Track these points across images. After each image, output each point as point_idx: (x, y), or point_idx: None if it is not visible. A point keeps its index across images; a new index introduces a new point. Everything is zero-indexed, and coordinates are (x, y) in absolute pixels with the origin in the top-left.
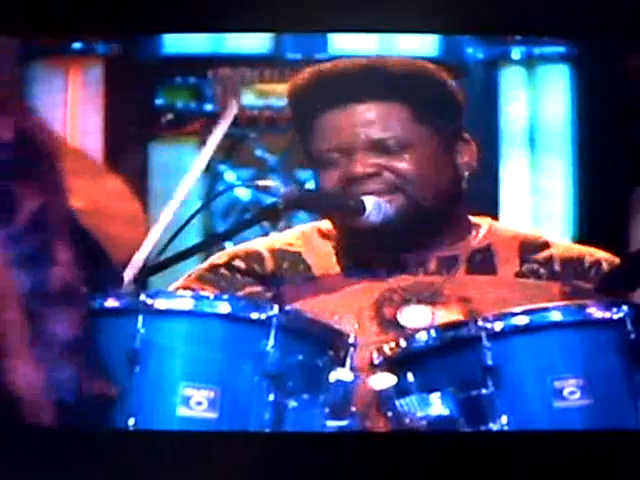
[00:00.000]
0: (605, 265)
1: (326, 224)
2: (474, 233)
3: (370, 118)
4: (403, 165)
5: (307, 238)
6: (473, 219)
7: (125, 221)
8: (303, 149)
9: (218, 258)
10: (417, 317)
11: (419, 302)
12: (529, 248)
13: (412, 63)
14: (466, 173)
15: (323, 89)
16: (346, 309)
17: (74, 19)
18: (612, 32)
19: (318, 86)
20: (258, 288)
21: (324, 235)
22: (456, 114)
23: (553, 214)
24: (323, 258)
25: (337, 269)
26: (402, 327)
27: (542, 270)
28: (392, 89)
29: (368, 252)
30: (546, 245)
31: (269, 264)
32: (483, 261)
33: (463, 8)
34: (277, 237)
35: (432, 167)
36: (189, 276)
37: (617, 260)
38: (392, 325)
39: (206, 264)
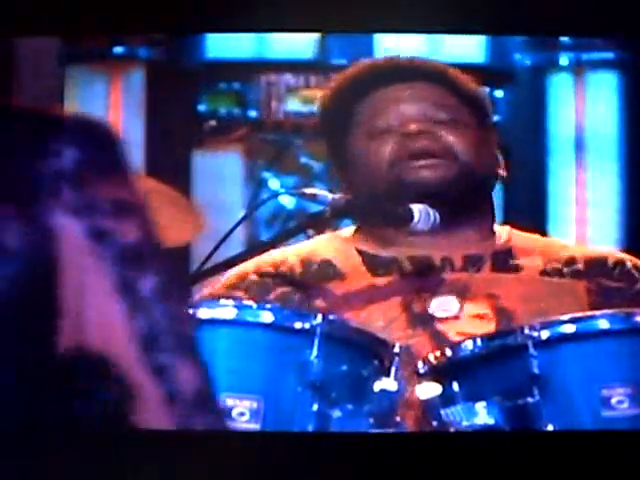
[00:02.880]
0: (629, 264)
1: (340, 232)
2: (497, 235)
3: (418, 93)
4: (454, 137)
5: (328, 245)
6: (494, 226)
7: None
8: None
9: (245, 266)
10: (445, 307)
11: (449, 294)
12: (551, 250)
13: (418, 58)
14: (500, 172)
15: (361, 83)
16: (375, 307)
17: (118, 20)
18: None
19: (353, 84)
20: (288, 289)
21: (345, 240)
22: (488, 117)
23: (601, 222)
24: (349, 261)
25: (363, 270)
26: (432, 318)
27: (566, 269)
28: (432, 74)
29: (393, 252)
30: (565, 248)
31: (297, 268)
32: (507, 261)
33: (513, 9)
34: (300, 246)
35: (479, 150)
36: (216, 284)
37: (637, 259)
38: (421, 318)
39: (233, 272)
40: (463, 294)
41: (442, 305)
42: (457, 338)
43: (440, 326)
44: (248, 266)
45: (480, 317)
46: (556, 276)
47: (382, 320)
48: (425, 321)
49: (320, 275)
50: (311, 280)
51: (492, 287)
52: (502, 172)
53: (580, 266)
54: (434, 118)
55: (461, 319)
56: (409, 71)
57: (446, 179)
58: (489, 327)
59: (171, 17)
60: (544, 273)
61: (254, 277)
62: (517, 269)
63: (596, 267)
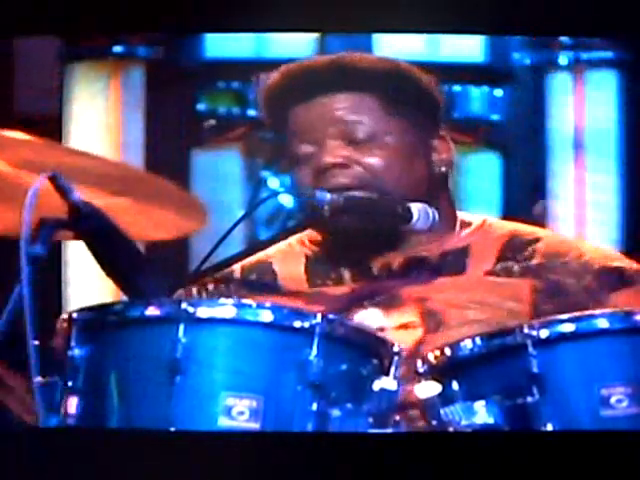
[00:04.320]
0: (585, 257)
1: (312, 233)
2: (457, 231)
3: (339, 107)
4: (372, 159)
5: (288, 247)
6: (465, 216)
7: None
8: (284, 152)
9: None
10: (367, 320)
11: (373, 305)
12: (514, 244)
13: (383, 60)
14: (443, 169)
15: (293, 86)
16: None
17: (118, 19)
18: None
19: (288, 84)
20: None
21: (303, 243)
22: (432, 111)
23: (600, 222)
24: (292, 267)
25: (303, 278)
26: None
27: (516, 267)
28: (361, 81)
29: (336, 257)
30: (536, 240)
31: (236, 278)
32: (453, 262)
33: (513, 9)
34: (263, 252)
35: (403, 161)
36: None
37: (608, 255)
38: None
39: (187, 288)
40: (390, 303)
41: (364, 319)
42: None
43: None
44: (197, 283)
45: (405, 326)
46: (504, 274)
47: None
48: None
49: (255, 286)
50: (245, 293)
51: (424, 291)
52: (447, 166)
53: (535, 262)
54: (351, 136)
55: (386, 330)
56: (343, 77)
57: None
58: (415, 335)
59: (171, 17)
60: (491, 273)
61: (194, 293)
62: (460, 271)
63: (552, 262)
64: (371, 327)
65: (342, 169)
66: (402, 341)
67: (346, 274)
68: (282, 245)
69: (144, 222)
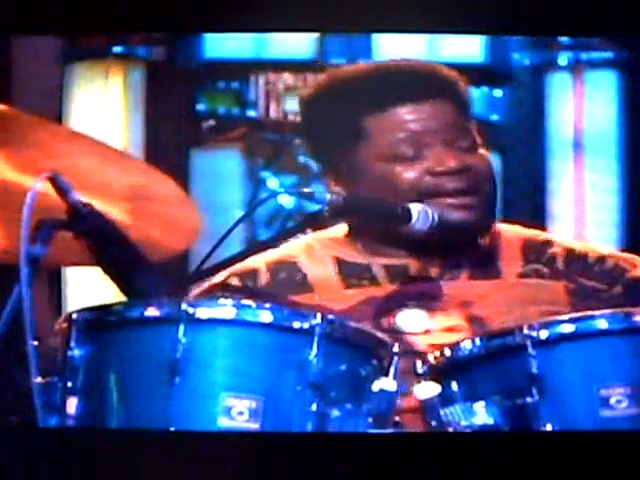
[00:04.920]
0: (609, 261)
1: (330, 233)
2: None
3: (437, 115)
4: (479, 164)
5: (308, 248)
6: None
7: (174, 205)
8: (340, 154)
9: (218, 276)
10: (413, 321)
11: (417, 308)
12: (532, 247)
13: (434, 66)
14: None
15: (362, 91)
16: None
17: (117, 19)
18: None
19: (356, 88)
20: None
21: (327, 245)
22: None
23: (599, 222)
24: (322, 268)
25: (337, 279)
26: (399, 332)
27: (545, 269)
28: (440, 89)
29: (370, 257)
30: (548, 243)
31: (263, 278)
32: (486, 265)
33: (514, 9)
34: (278, 249)
35: (488, 161)
36: (194, 295)
37: (621, 256)
38: (389, 333)
39: (207, 283)
40: (434, 306)
41: (409, 319)
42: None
43: (410, 340)
44: (217, 278)
45: (451, 329)
46: (535, 277)
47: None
48: (394, 334)
49: (288, 286)
50: (276, 286)
51: (467, 294)
52: None
53: (560, 265)
54: (456, 144)
55: (432, 333)
56: (422, 84)
57: (475, 219)
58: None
59: (171, 17)
60: (523, 275)
61: (218, 291)
62: (497, 273)
63: (576, 265)
64: (370, 328)
65: (461, 173)
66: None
67: (381, 274)
68: (300, 245)
69: (143, 223)
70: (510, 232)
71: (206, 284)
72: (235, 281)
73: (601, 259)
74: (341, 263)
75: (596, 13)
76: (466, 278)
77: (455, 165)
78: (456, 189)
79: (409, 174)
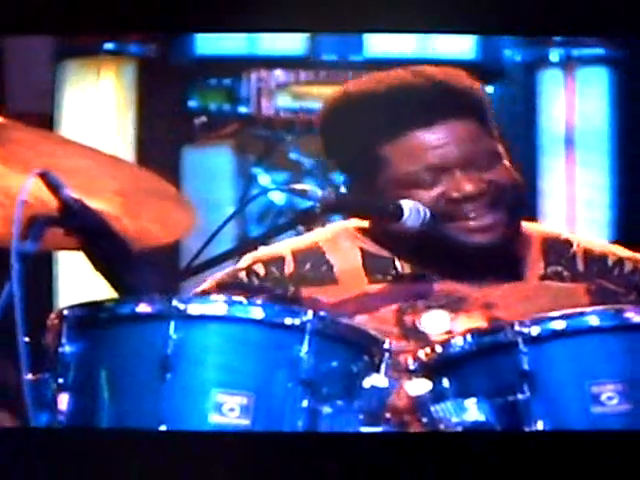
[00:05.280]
0: (628, 265)
1: (357, 223)
2: None
3: (458, 136)
4: (501, 177)
5: (335, 238)
6: None
7: (166, 200)
8: (358, 179)
9: (243, 261)
10: (436, 323)
11: (441, 308)
12: (552, 248)
13: (456, 77)
14: None
15: (382, 112)
16: (367, 314)
17: (110, 19)
18: None
19: (374, 109)
20: (274, 295)
21: (353, 235)
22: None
23: (591, 219)
24: (348, 260)
25: (361, 272)
26: (422, 333)
27: (565, 272)
28: (459, 106)
29: (396, 252)
30: (568, 243)
31: (289, 267)
32: (510, 265)
33: (504, 8)
34: (305, 237)
35: (512, 171)
36: (212, 280)
37: (638, 259)
38: (412, 332)
39: (230, 268)
40: (458, 306)
41: (433, 321)
42: None
43: (433, 338)
44: (242, 263)
45: None
46: (557, 279)
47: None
48: (418, 334)
49: (312, 277)
50: (302, 276)
51: (490, 296)
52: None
53: (580, 267)
54: (476, 164)
55: (454, 334)
56: (444, 103)
57: (496, 239)
58: None
59: (164, 16)
60: (544, 277)
61: (243, 276)
62: (519, 275)
63: (596, 267)
64: (362, 325)
65: (482, 195)
66: None
67: (406, 269)
68: (327, 233)
69: (135, 219)
70: (531, 230)
71: (230, 269)
72: (260, 268)
73: (620, 262)
74: (366, 255)
75: (590, 12)
76: (490, 280)
77: (472, 190)
78: (475, 212)
79: (426, 200)
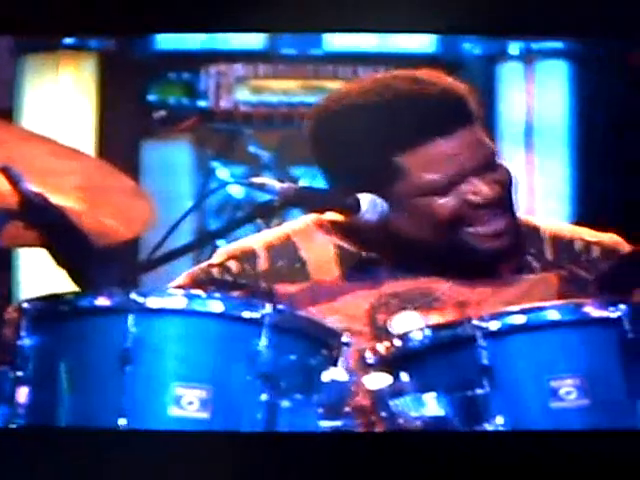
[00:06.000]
0: (595, 250)
1: (331, 216)
2: None
3: (469, 145)
4: (504, 176)
5: (308, 232)
6: None
7: (126, 194)
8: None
9: (216, 257)
10: (408, 324)
11: (414, 309)
12: (522, 239)
13: (448, 88)
14: None
15: (389, 124)
16: (339, 312)
17: (67, 18)
18: (612, 29)
19: (380, 121)
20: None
21: (327, 229)
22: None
23: (549, 210)
24: (322, 256)
25: (335, 269)
26: (393, 335)
27: (535, 263)
28: (468, 112)
29: (372, 252)
30: (536, 230)
31: (263, 263)
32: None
33: (461, 7)
34: (278, 230)
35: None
36: (187, 275)
37: (605, 242)
38: (384, 332)
39: (205, 263)
40: (431, 305)
41: (403, 323)
42: None
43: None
44: (215, 259)
45: None
46: (527, 271)
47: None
48: (389, 335)
49: (286, 274)
50: (275, 272)
51: (463, 295)
52: None
53: (549, 255)
54: (485, 168)
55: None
56: (449, 114)
57: (506, 245)
58: None
59: (122, 16)
60: (517, 271)
61: (216, 273)
62: (492, 272)
63: (564, 254)
64: (320, 318)
65: (497, 199)
66: None
67: (382, 272)
68: (301, 226)
69: (95, 213)
70: None
71: (204, 264)
72: (233, 264)
73: (587, 247)
74: (340, 251)
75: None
76: (464, 277)
77: (490, 193)
78: (488, 216)
79: (448, 204)
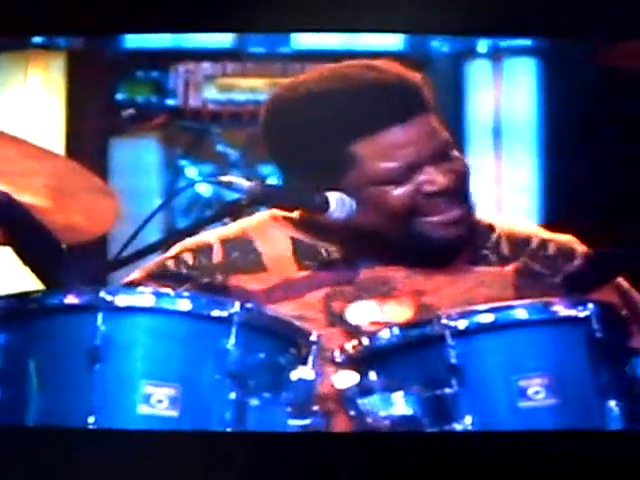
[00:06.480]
0: (551, 247)
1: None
2: None
3: (425, 133)
4: (459, 166)
5: (263, 226)
6: None
7: (93, 192)
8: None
9: (171, 251)
10: (363, 314)
11: (370, 297)
12: (477, 234)
13: (402, 77)
14: None
15: (343, 113)
16: (294, 299)
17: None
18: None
19: (334, 110)
20: (202, 284)
21: (282, 224)
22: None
23: (519, 206)
24: (277, 248)
25: (291, 260)
26: (346, 323)
27: (492, 256)
28: (420, 104)
29: (328, 242)
30: (491, 228)
31: (218, 255)
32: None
33: (428, 6)
34: (232, 226)
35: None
36: (142, 270)
37: (560, 240)
38: (338, 319)
39: (159, 257)
40: (387, 293)
41: (359, 312)
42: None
43: (361, 328)
44: (170, 252)
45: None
46: (484, 263)
47: (300, 318)
48: (344, 322)
49: (241, 265)
50: (230, 265)
51: (419, 284)
52: None
53: (505, 250)
54: (442, 157)
55: (381, 323)
56: (404, 102)
57: (462, 233)
58: None
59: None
60: (472, 262)
61: (172, 265)
62: (448, 262)
63: (521, 249)
64: (288, 317)
65: (452, 188)
66: None
67: (335, 257)
68: (256, 222)
69: (62, 212)
70: None
71: (159, 258)
72: (188, 256)
73: (543, 243)
74: (296, 243)
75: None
76: (420, 266)
77: (445, 182)
78: (445, 205)
79: (401, 194)
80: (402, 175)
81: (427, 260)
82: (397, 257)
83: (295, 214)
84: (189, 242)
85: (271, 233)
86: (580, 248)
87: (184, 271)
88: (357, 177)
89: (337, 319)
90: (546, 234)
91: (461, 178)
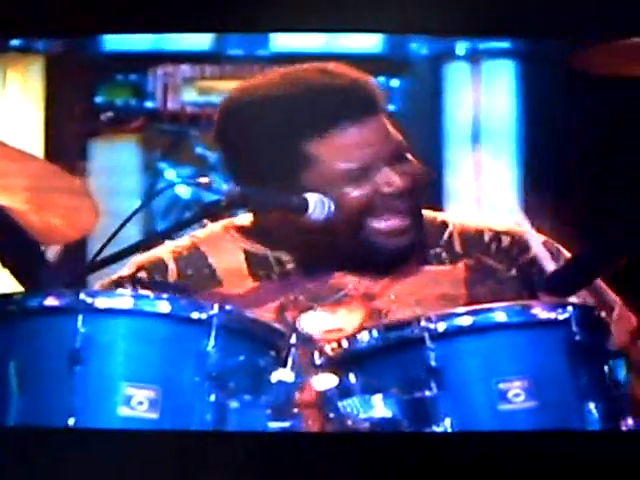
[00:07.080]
0: (505, 239)
1: (238, 221)
2: None
3: (378, 133)
4: (414, 168)
5: (215, 239)
6: None
7: (72, 195)
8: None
9: (126, 269)
10: (315, 324)
11: (322, 306)
12: (429, 232)
13: (353, 78)
14: None
15: (296, 113)
16: (248, 309)
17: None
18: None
19: (287, 110)
20: None
21: (234, 236)
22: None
23: (497, 209)
24: (230, 261)
25: (244, 272)
26: (299, 333)
27: (444, 254)
28: (372, 104)
29: (280, 251)
30: (444, 224)
31: (172, 274)
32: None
33: (407, 7)
34: (184, 240)
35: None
36: (101, 286)
37: (514, 231)
38: (293, 329)
39: (115, 275)
40: (338, 299)
41: (311, 322)
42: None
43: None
44: (125, 270)
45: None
46: (436, 263)
47: None
48: (298, 332)
49: (196, 281)
50: (185, 281)
51: (369, 288)
52: None
53: (457, 247)
54: (396, 158)
55: (331, 332)
56: (356, 102)
57: (410, 242)
58: None
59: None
60: (424, 262)
61: (128, 284)
62: (399, 264)
63: (473, 245)
64: (267, 319)
65: (407, 190)
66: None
67: (288, 266)
68: (207, 234)
69: (41, 214)
70: None
71: (115, 276)
72: (143, 274)
73: (496, 237)
74: (249, 255)
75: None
76: (372, 270)
77: (402, 184)
78: (399, 209)
79: (360, 195)
80: (360, 176)
81: (376, 266)
82: (347, 263)
83: (247, 222)
84: (143, 259)
85: (224, 246)
86: (536, 238)
87: (138, 288)
88: (314, 178)
89: (291, 328)
90: (500, 227)
91: (417, 180)
